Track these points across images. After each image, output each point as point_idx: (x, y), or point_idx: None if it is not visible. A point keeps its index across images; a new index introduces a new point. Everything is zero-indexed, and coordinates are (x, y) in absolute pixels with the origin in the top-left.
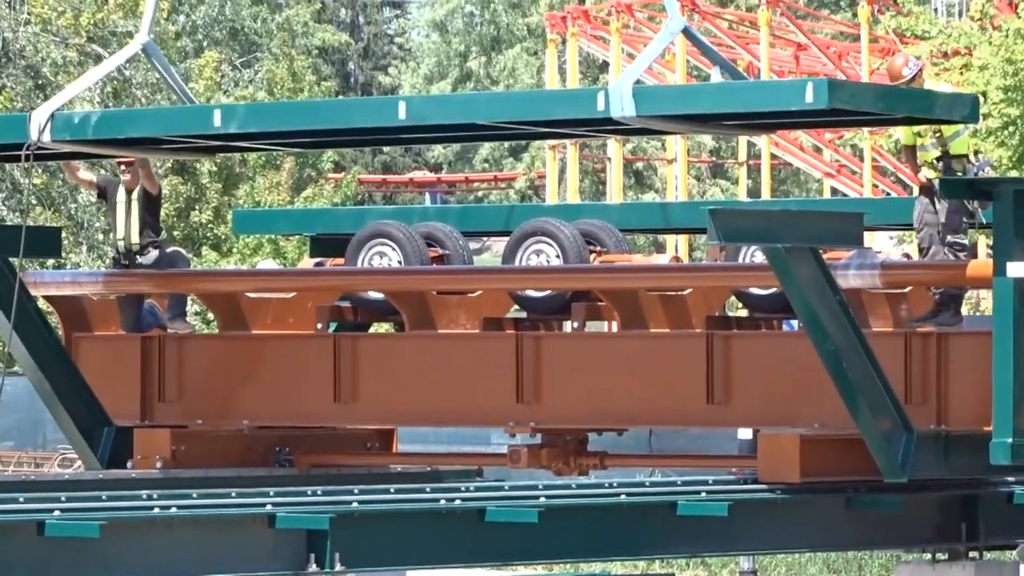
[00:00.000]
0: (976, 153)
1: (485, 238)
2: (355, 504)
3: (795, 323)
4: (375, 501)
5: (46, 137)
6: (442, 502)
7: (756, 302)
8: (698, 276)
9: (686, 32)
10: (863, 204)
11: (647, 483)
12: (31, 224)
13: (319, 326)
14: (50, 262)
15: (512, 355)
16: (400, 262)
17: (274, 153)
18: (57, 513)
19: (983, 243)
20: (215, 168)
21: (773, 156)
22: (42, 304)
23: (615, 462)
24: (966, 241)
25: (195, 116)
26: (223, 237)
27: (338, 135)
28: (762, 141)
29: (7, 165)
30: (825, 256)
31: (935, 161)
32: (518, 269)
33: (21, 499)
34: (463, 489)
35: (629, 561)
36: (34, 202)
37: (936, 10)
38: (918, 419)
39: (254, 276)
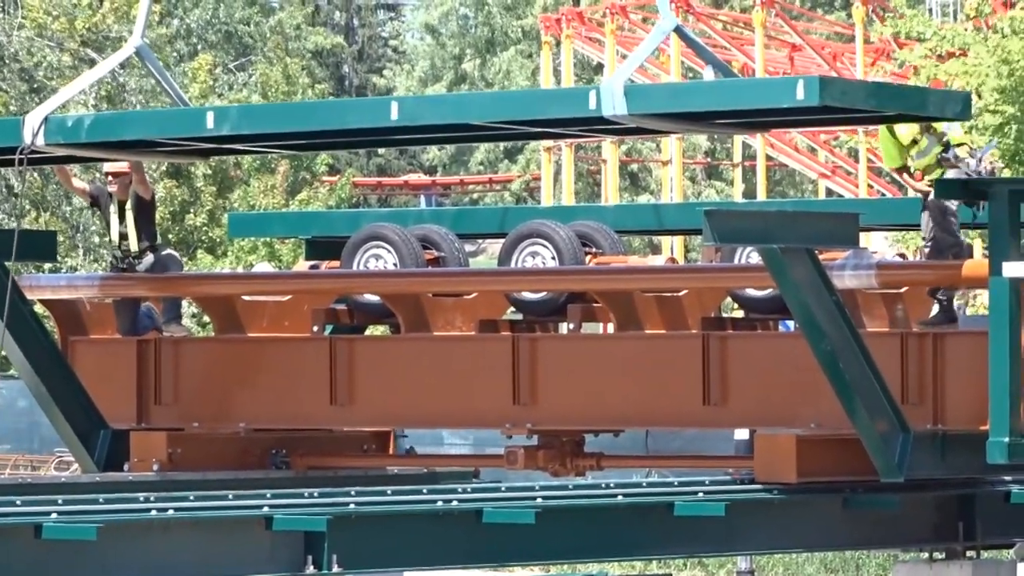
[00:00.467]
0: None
1: (481, 240)
2: (352, 506)
3: (791, 324)
4: (372, 503)
5: (40, 141)
6: (439, 503)
7: (752, 303)
8: (694, 277)
9: (678, 31)
10: (858, 205)
11: (644, 484)
12: (26, 228)
13: (315, 329)
14: (46, 266)
15: (508, 357)
16: (396, 265)
17: (268, 156)
18: (54, 516)
19: (979, 244)
20: (209, 171)
21: (768, 157)
22: (38, 308)
23: (612, 463)
24: (962, 239)
25: (188, 119)
26: (218, 240)
27: (331, 137)
28: (757, 142)
29: (2, 169)
30: (821, 257)
31: (938, 158)
32: (514, 271)
33: (18, 502)
34: (460, 490)
35: (626, 561)
36: (28, 206)
37: (931, 11)
38: (914, 419)
39: (250, 279)
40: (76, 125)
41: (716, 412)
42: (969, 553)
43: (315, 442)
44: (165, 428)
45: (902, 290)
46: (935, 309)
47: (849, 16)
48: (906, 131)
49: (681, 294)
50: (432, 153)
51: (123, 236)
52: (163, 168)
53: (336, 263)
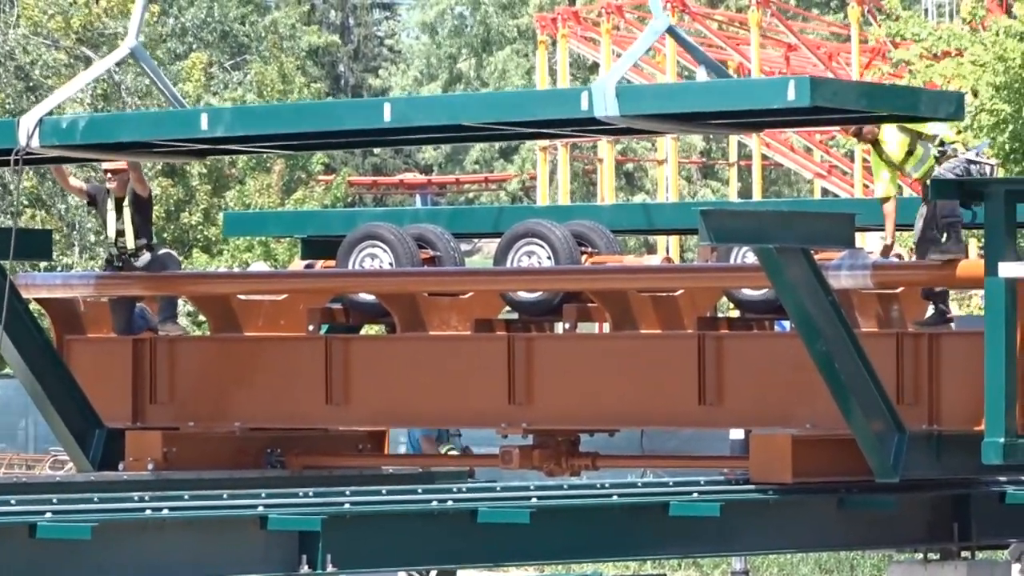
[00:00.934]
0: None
1: (476, 240)
2: (347, 505)
3: (787, 323)
4: (367, 502)
5: (35, 142)
6: (434, 503)
7: (748, 303)
8: (689, 277)
9: (671, 31)
10: (854, 205)
11: (639, 484)
12: (22, 226)
13: (311, 328)
14: (42, 264)
15: (504, 356)
16: (391, 264)
17: (264, 155)
18: (49, 515)
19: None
20: (205, 170)
21: (764, 157)
22: (34, 307)
23: (607, 463)
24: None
25: (182, 120)
26: (213, 239)
27: (326, 137)
28: (753, 142)
29: None
30: (816, 256)
31: (935, 160)
32: (509, 271)
33: (13, 501)
34: (455, 490)
35: (621, 562)
36: (25, 203)
37: (926, 11)
38: (910, 419)
39: (245, 278)
40: (71, 127)
41: (712, 412)
42: (964, 554)
43: (310, 441)
44: (160, 427)
45: (898, 290)
46: (930, 310)
47: (845, 16)
48: (896, 149)
49: (677, 294)
50: (428, 152)
51: (120, 233)
52: (158, 167)
53: (332, 262)
